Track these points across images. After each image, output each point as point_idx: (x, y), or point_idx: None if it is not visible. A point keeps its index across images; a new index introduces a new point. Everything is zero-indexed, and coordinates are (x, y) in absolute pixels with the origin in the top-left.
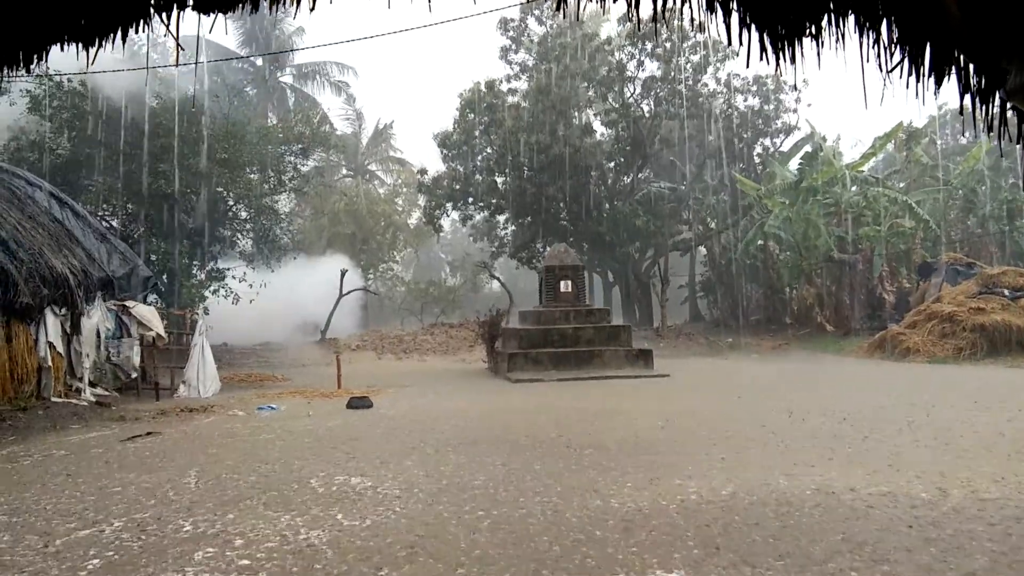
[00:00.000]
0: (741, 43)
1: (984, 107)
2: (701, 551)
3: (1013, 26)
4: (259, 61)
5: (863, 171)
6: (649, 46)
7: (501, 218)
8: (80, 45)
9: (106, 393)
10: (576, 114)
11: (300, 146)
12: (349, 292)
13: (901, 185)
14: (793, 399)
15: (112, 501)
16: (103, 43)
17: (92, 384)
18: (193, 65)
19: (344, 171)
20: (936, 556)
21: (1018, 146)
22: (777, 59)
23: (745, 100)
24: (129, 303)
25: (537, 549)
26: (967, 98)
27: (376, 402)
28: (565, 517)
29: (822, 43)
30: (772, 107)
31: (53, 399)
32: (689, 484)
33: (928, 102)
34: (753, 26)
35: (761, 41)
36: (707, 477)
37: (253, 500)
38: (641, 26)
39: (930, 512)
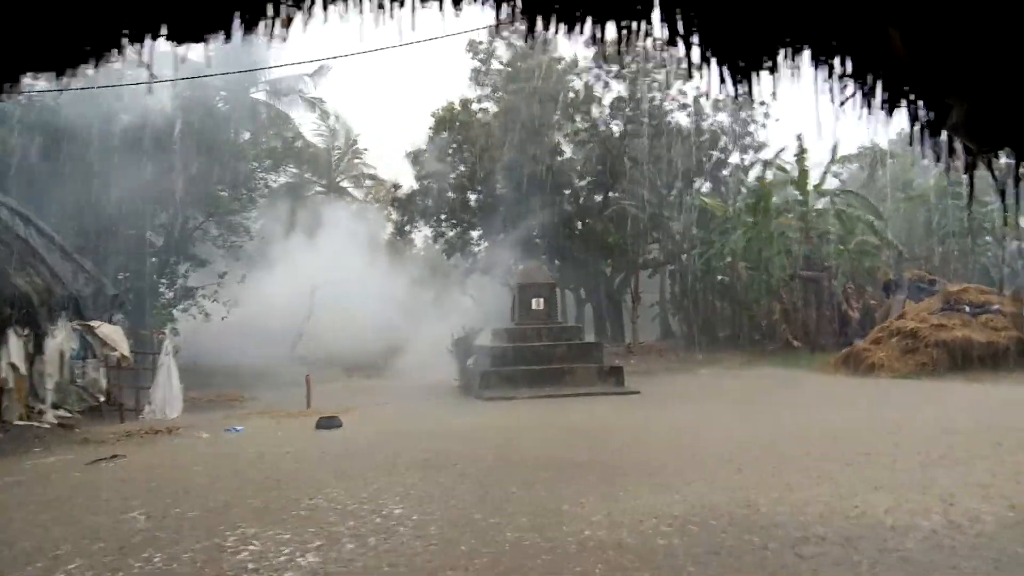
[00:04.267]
0: (701, 76)
1: (933, 139)
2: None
3: (954, 65)
4: (231, 77)
5: (827, 189)
6: (615, 68)
7: (474, 234)
8: (51, 74)
9: (69, 415)
10: (547, 133)
11: (269, 161)
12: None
13: (856, 207)
14: (757, 418)
15: (67, 534)
16: (75, 72)
17: (55, 406)
18: (165, 83)
19: (317, 188)
20: None
21: (965, 176)
22: (736, 90)
23: (710, 120)
24: (94, 323)
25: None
26: (916, 130)
27: (346, 421)
28: (538, 541)
29: (779, 75)
30: (738, 125)
31: (15, 422)
32: (648, 503)
33: (886, 129)
34: (713, 60)
35: (721, 73)
36: (666, 496)
37: (229, 526)
38: (603, 54)
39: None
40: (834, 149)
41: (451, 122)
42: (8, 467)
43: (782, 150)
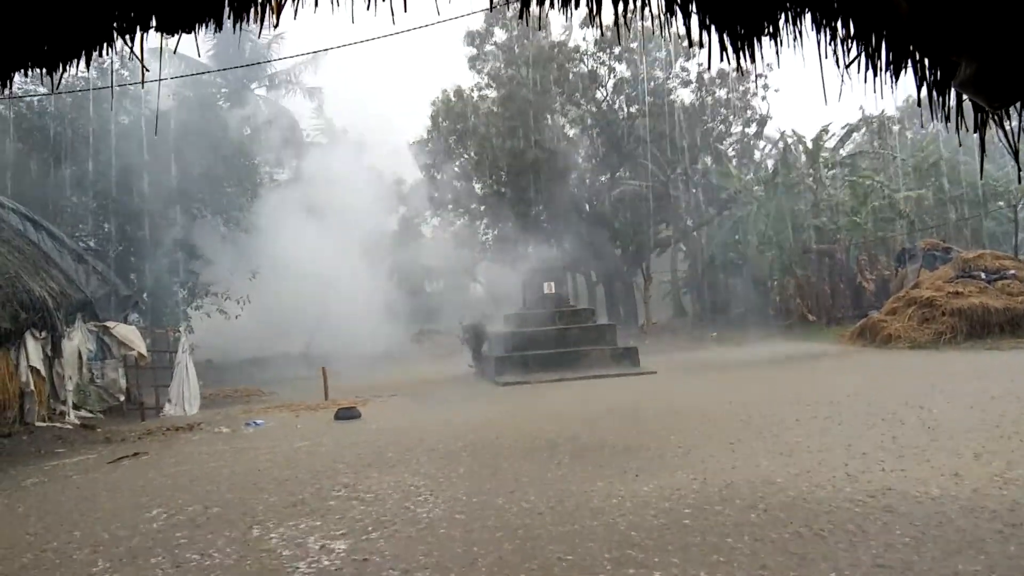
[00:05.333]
0: (702, 45)
1: (941, 98)
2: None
3: (959, 21)
4: (231, 74)
5: (837, 160)
6: (617, 50)
7: (481, 223)
8: (44, 70)
9: (91, 415)
10: (549, 118)
11: (272, 155)
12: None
13: (867, 172)
14: (774, 393)
15: (91, 533)
16: (67, 67)
17: (76, 407)
18: (164, 80)
19: (320, 180)
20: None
21: (975, 135)
22: (738, 58)
23: (713, 93)
24: (110, 323)
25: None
26: (924, 90)
27: (364, 412)
28: (564, 525)
29: (781, 41)
30: (738, 98)
31: (37, 424)
32: (670, 483)
33: (892, 91)
34: (713, 27)
35: (721, 41)
36: (687, 475)
37: (255, 518)
38: (604, 31)
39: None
40: (848, 130)
41: (449, 112)
42: (32, 468)
43: (764, 121)
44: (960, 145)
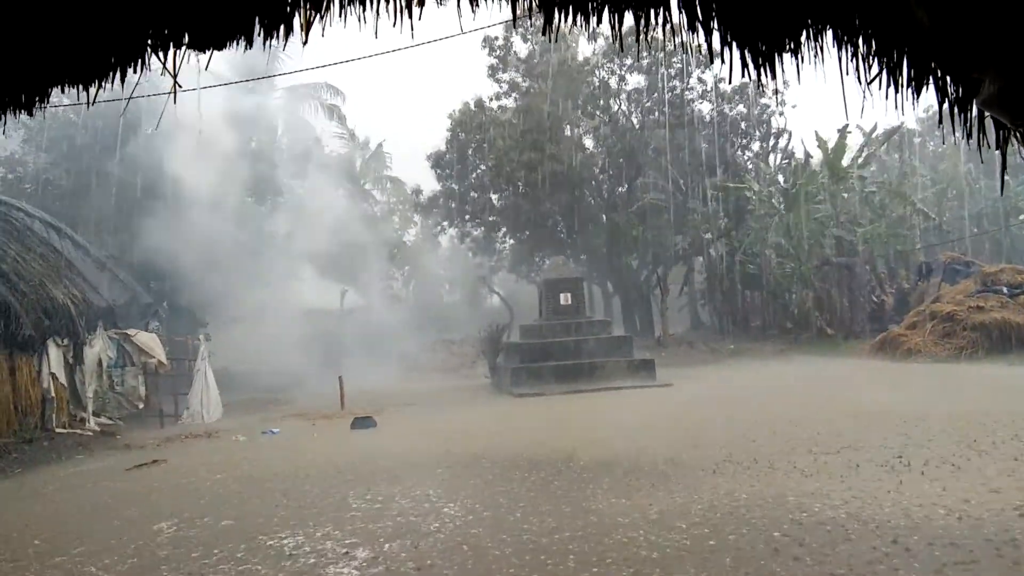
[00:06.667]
0: (723, 61)
1: (962, 115)
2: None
3: (982, 39)
4: (250, 85)
5: (857, 172)
6: (629, 61)
7: (498, 233)
8: (79, 86)
9: (110, 422)
10: (568, 128)
11: (293, 166)
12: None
13: (884, 182)
14: (789, 409)
15: (120, 538)
16: (102, 83)
17: (96, 414)
18: (186, 93)
19: (341, 191)
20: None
21: (997, 152)
22: (759, 74)
23: (731, 106)
24: (130, 331)
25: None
26: (945, 106)
27: (380, 421)
28: (576, 543)
29: (802, 57)
30: (757, 111)
31: (58, 430)
32: (682, 502)
33: (913, 107)
34: (734, 43)
35: (743, 57)
36: (701, 494)
37: (271, 528)
38: (620, 44)
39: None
40: (871, 132)
41: (468, 124)
42: (51, 474)
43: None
44: (982, 162)
